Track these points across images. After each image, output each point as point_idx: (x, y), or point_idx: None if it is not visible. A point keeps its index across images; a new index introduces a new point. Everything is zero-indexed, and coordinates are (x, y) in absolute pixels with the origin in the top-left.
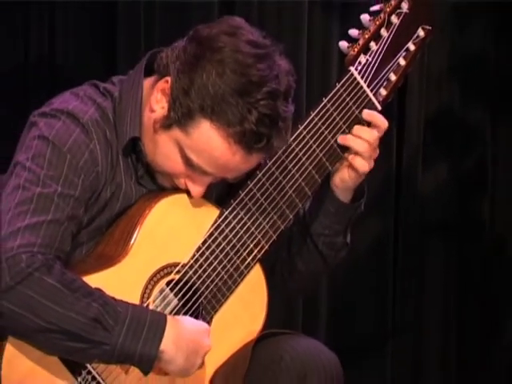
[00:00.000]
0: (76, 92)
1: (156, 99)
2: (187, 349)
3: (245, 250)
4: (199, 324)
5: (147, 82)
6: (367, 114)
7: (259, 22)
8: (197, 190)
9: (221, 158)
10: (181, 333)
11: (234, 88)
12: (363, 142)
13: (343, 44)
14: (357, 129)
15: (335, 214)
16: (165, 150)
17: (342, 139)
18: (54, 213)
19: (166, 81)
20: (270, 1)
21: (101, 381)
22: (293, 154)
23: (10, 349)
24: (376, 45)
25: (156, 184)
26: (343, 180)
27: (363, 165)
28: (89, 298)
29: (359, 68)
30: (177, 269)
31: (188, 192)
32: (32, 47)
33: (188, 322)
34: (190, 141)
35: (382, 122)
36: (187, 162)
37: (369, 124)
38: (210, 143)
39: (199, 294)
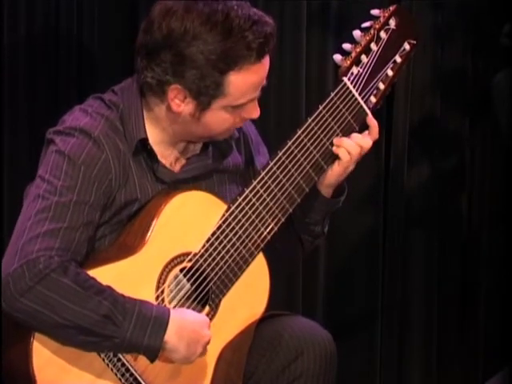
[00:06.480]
0: (85, 108)
1: (176, 105)
2: (188, 339)
3: (250, 241)
4: (200, 316)
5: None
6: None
7: None
8: (255, 112)
9: (257, 80)
10: (183, 325)
11: (221, 38)
12: (357, 146)
13: (337, 57)
14: (354, 136)
15: (316, 206)
16: (219, 119)
17: (338, 141)
18: (70, 220)
19: (172, 90)
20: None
21: (120, 356)
22: (292, 156)
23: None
24: (367, 57)
25: (171, 172)
26: (327, 178)
27: (349, 165)
28: (100, 296)
29: (352, 78)
30: (189, 257)
31: (199, 189)
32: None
33: (189, 314)
34: (231, 96)
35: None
36: (240, 107)
37: (360, 131)
38: (246, 81)
39: (209, 279)
